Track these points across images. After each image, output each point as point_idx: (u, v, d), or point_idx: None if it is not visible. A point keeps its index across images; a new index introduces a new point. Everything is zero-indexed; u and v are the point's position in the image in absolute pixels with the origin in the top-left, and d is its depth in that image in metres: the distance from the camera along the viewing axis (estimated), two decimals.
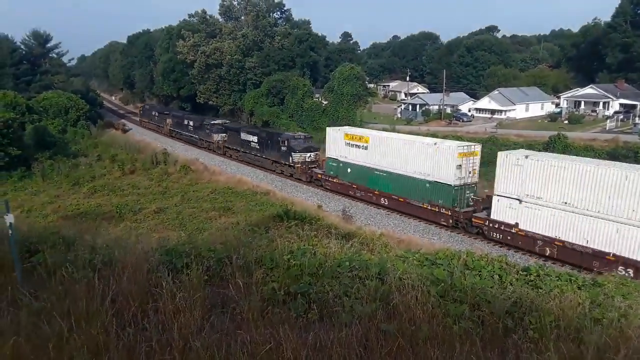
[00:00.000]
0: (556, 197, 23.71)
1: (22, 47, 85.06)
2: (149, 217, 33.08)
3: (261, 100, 73.12)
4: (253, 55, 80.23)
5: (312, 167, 42.34)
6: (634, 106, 70.23)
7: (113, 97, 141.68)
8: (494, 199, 27.02)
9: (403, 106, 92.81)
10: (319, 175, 40.78)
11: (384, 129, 65.69)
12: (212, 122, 59.13)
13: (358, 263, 7.45)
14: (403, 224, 32.38)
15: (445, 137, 59.06)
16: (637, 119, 65.22)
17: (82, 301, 5.22)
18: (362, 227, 29.68)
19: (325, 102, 70.70)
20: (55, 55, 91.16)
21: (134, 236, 12.63)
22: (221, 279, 6.72)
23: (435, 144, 31.17)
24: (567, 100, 78.24)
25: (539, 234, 24.81)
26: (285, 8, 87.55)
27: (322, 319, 5.58)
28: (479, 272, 8.48)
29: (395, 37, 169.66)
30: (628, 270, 21.48)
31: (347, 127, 42.53)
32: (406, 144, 32.80)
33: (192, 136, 62.76)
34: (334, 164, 38.77)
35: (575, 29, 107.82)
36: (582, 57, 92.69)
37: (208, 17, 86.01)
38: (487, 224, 27.55)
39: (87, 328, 4.76)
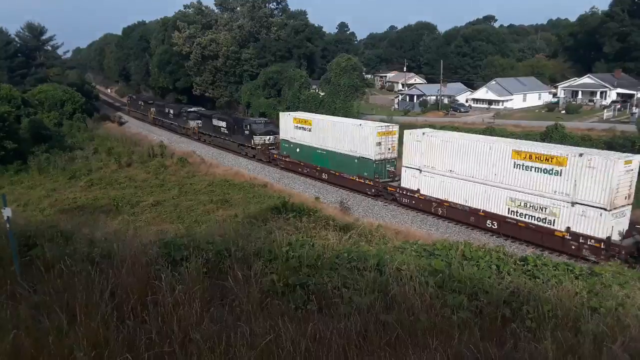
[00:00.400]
0: (444, 167, 29.14)
1: (17, 39, 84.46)
2: (147, 210, 33.06)
3: (258, 92, 72.85)
4: (249, 47, 79.83)
5: (271, 149, 46.44)
6: (631, 95, 70.25)
7: (109, 90, 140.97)
8: (402, 170, 32.21)
9: (400, 97, 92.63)
10: (275, 156, 45.37)
11: (382, 120, 65.73)
12: (189, 109, 63.66)
13: (356, 254, 7.48)
14: (400, 215, 32.44)
15: (442, 127, 59.01)
16: (634, 108, 65.24)
17: (81, 294, 5.22)
18: (359, 218, 29.77)
19: (322, 94, 70.49)
20: (50, 48, 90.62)
21: (132, 229, 12.64)
22: (220, 272, 6.73)
23: (360, 124, 36.14)
24: (564, 90, 78.18)
25: (434, 197, 30.20)
26: None
27: (321, 311, 5.60)
28: (477, 262, 8.51)
29: (392, 27, 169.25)
30: (493, 222, 26.99)
31: (296, 112, 47.40)
32: (339, 125, 37.74)
33: (172, 123, 67.05)
34: (286, 145, 43.37)
35: (573, 19, 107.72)
36: (580, 47, 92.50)
37: (204, 8, 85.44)
38: (398, 191, 32.75)
39: (87, 321, 4.76)
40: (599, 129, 51.86)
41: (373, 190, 34.92)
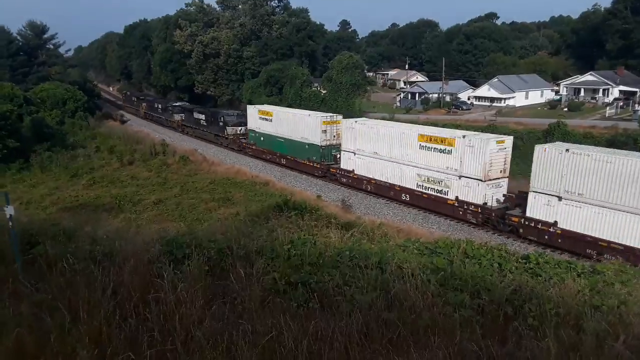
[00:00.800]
0: (371, 150, 34.24)
1: (19, 38, 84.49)
2: (148, 208, 33.11)
3: (259, 90, 72.84)
4: (251, 45, 79.81)
5: (242, 139, 51.48)
6: (634, 93, 70.02)
7: (110, 88, 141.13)
8: (342, 154, 37.26)
9: (402, 95, 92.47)
10: (244, 144, 50.39)
11: (383, 118, 65.62)
12: (174, 104, 69.54)
13: (358, 252, 7.48)
14: (402, 213, 32.43)
15: (444, 125, 58.93)
16: (636, 105, 65.05)
17: (84, 292, 5.24)
18: (361, 216, 29.72)
19: (324, 92, 70.44)
20: (52, 47, 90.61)
21: (134, 227, 12.67)
22: (222, 270, 6.74)
23: (309, 115, 41.45)
24: (566, 88, 77.95)
25: (364, 176, 35.27)
26: None
27: (323, 309, 5.60)
28: (479, 260, 8.50)
29: (394, 25, 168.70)
30: (407, 195, 32.28)
31: (262, 105, 51.33)
32: (293, 116, 43.03)
33: (160, 117, 72.23)
34: (253, 134, 48.69)
35: (575, 16, 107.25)
36: (582, 44, 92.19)
37: (205, 6, 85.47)
38: (338, 172, 38.13)
39: (89, 319, 4.77)
40: (602, 127, 51.73)
41: (320, 172, 40.19)
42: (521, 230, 25.66)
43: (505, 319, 5.43)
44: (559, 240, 23.98)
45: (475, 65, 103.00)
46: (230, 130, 52.40)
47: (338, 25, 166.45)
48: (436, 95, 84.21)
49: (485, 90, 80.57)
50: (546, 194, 24.14)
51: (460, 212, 28.91)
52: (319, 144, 39.48)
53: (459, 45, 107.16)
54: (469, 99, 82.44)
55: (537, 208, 24.73)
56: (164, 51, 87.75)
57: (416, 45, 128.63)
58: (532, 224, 24.94)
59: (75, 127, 61.04)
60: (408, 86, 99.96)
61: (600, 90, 73.25)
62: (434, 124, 60.99)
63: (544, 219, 24.38)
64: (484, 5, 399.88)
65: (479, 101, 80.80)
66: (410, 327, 4.97)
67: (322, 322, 5.04)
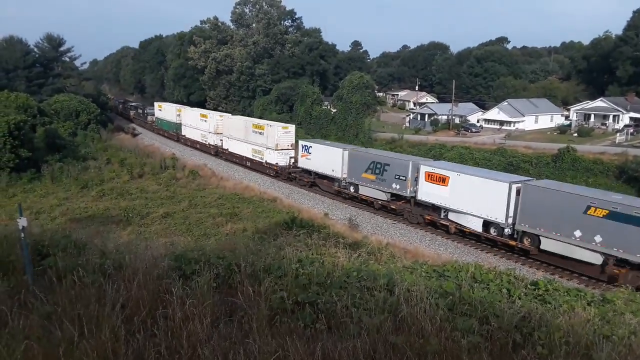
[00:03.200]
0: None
1: (36, 50, 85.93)
2: (156, 222, 33.18)
3: (270, 107, 73.45)
4: (263, 63, 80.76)
5: (154, 124, 75.32)
6: None
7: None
8: (223, 139, 56.53)
9: (412, 115, 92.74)
10: (154, 126, 75.86)
11: (392, 138, 65.73)
12: (148, 109, 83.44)
13: (366, 273, 7.46)
14: (409, 233, 32.30)
15: (453, 147, 58.98)
16: None
17: (93, 306, 5.26)
18: (368, 236, 29.64)
19: (334, 110, 70.86)
20: (67, 59, 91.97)
21: (143, 241, 12.69)
22: (230, 287, 6.74)
23: (204, 115, 60.84)
24: (576, 113, 77.82)
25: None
26: (296, 16, 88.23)
27: (330, 330, 5.57)
28: (487, 285, 8.44)
29: (405, 46, 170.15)
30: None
31: (163, 102, 76.38)
32: (193, 111, 65.09)
33: (141, 119, 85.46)
34: (158, 121, 74.41)
35: (586, 42, 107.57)
36: (593, 70, 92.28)
37: (220, 24, 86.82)
38: (221, 150, 57.21)
39: (97, 333, 4.79)
40: (611, 153, 51.45)
41: (212, 151, 58.98)
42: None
43: (514, 346, 5.37)
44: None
45: (485, 88, 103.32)
46: (149, 118, 79.15)
47: (350, 46, 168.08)
48: (445, 116, 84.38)
49: (494, 113, 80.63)
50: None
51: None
52: (211, 132, 58.24)
53: (470, 68, 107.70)
54: (478, 121, 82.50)
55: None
56: (177, 66, 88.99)
57: (427, 67, 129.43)
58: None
59: (87, 139, 61.62)
60: (418, 107, 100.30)
61: (611, 117, 73.07)
62: (443, 145, 61.11)
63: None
64: (495, 30, 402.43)
65: (488, 124, 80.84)
66: (418, 351, 4.93)
67: (329, 343, 5.01)
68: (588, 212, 23.05)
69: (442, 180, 30.24)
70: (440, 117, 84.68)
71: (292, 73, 79.97)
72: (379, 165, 35.02)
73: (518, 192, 26.34)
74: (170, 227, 32.14)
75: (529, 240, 26.25)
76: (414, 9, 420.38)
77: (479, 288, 7.84)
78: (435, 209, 31.35)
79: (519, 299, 7.56)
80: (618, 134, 65.15)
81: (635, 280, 21.23)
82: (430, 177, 30.99)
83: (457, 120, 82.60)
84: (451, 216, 30.32)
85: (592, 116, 75.27)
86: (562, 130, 73.62)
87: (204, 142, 60.15)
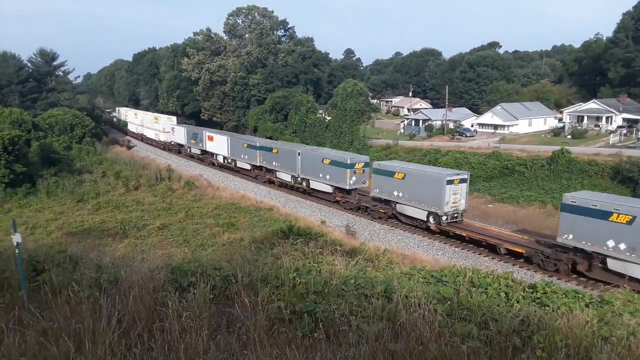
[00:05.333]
0: (140, 123, 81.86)
1: (29, 65, 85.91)
2: (153, 234, 33.06)
3: (265, 117, 73.53)
4: (257, 72, 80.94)
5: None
6: (637, 121, 70.19)
7: None
8: (129, 125, 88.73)
9: (406, 121, 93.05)
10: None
11: (387, 145, 65.89)
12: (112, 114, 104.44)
13: (364, 281, 7.43)
14: (406, 239, 32.29)
15: (448, 151, 59.14)
16: None
17: (89, 321, 5.22)
18: (365, 242, 29.59)
19: (328, 118, 71.00)
20: (61, 73, 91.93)
21: (139, 253, 12.64)
22: (227, 298, 6.71)
23: (156, 118, 75.75)
24: (570, 115, 78.26)
25: (142, 134, 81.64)
26: (289, 26, 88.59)
27: (329, 339, 5.54)
28: (485, 289, 8.42)
29: (397, 53, 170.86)
30: (152, 142, 77.71)
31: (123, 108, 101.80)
32: (146, 115, 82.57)
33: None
34: (122, 121, 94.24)
35: (577, 45, 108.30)
36: (584, 72, 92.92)
37: (213, 35, 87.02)
38: (134, 134, 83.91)
39: (94, 348, 4.74)
40: (605, 154, 51.67)
41: (163, 147, 73.37)
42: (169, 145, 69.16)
43: (513, 350, 5.35)
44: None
45: (479, 92, 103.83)
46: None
47: (342, 54, 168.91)
48: (440, 122, 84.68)
49: (488, 118, 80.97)
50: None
51: (161, 145, 70.64)
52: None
53: (462, 73, 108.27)
54: (472, 126, 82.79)
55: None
56: (171, 78, 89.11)
57: (420, 73, 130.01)
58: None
59: (82, 153, 61.50)
60: (412, 113, 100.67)
61: (604, 118, 73.51)
62: (438, 150, 61.27)
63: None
64: (486, 35, 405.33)
65: (482, 128, 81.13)
66: (418, 358, 4.90)
67: (328, 353, 4.99)
68: None
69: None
70: (434, 122, 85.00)
71: (285, 82, 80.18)
72: (325, 162, 40.56)
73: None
74: (167, 238, 32.02)
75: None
76: (406, 16, 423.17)
77: (477, 292, 7.82)
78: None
79: (517, 302, 7.54)
80: (611, 135, 65.48)
81: None
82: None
83: (451, 125, 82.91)
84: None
85: (585, 118, 75.70)
86: (556, 132, 73.95)
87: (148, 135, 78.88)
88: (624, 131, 66.45)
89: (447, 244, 30.83)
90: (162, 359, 4.80)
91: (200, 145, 60.85)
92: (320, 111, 75.51)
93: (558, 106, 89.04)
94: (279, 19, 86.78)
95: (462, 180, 31.82)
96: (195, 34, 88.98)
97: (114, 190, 45.67)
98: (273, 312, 5.97)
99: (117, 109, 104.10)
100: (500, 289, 8.51)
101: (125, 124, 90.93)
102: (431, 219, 31.85)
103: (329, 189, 40.69)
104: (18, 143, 44.99)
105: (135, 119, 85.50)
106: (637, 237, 21.76)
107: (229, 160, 55.26)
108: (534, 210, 40.67)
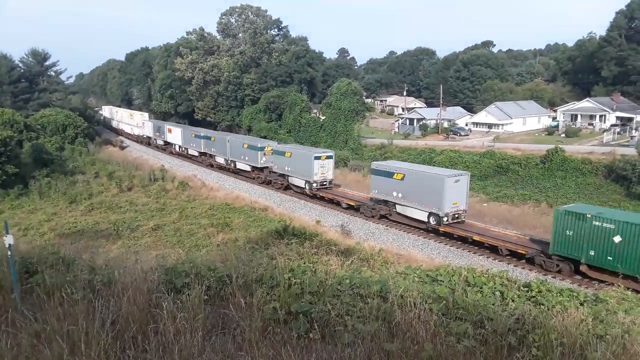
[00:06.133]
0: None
1: (21, 65, 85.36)
2: (147, 235, 32.94)
3: (259, 116, 73.41)
4: (251, 72, 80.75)
5: None
6: (631, 119, 70.64)
7: None
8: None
9: (400, 121, 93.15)
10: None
11: (382, 144, 65.98)
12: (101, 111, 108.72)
13: (359, 281, 7.41)
14: (401, 238, 32.33)
15: (443, 150, 59.31)
16: (634, 131, 65.55)
17: (82, 323, 5.16)
18: (360, 242, 29.61)
19: (322, 117, 70.97)
20: (53, 73, 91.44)
21: (133, 255, 12.56)
22: (221, 299, 6.67)
23: (131, 115, 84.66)
24: (563, 114, 78.65)
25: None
26: (282, 25, 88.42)
27: (324, 339, 5.52)
28: (480, 288, 8.43)
29: (391, 52, 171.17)
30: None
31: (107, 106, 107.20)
32: (124, 112, 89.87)
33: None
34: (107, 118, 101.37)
35: (571, 43, 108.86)
36: (578, 71, 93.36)
37: (206, 34, 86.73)
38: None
39: (87, 351, 4.69)
40: (599, 153, 51.96)
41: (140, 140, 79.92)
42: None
43: (509, 349, 5.35)
44: None
45: (473, 92, 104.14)
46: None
47: (337, 53, 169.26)
48: (434, 121, 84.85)
49: (483, 117, 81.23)
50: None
51: (134, 138, 79.83)
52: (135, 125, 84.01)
53: (456, 72, 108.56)
54: (466, 124, 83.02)
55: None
56: (164, 78, 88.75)
57: (414, 72, 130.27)
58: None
59: (74, 153, 61.22)
60: (406, 112, 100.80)
61: (597, 117, 73.91)
62: (433, 149, 61.41)
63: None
64: (480, 34, 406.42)
65: (476, 127, 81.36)
66: (413, 358, 4.89)
67: (324, 353, 4.97)
68: None
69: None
70: (428, 121, 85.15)
71: (279, 81, 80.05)
72: (244, 147, 49.88)
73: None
74: (161, 239, 31.92)
75: None
76: (400, 15, 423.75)
77: (473, 292, 7.83)
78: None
79: (513, 301, 7.55)
80: (605, 134, 65.89)
81: None
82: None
83: (445, 124, 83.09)
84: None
85: (579, 117, 76.09)
86: (550, 131, 74.31)
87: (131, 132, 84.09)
88: (618, 129, 66.85)
89: (442, 243, 30.89)
90: None
91: (163, 137, 69.37)
92: (315, 111, 75.47)
93: (552, 105, 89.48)
94: (273, 18, 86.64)
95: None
96: (188, 33, 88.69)
97: (107, 191, 45.49)
98: (268, 312, 5.94)
99: (102, 107, 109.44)
100: (495, 288, 8.52)
101: (109, 120, 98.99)
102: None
103: (248, 168, 49.80)
104: (10, 144, 44.76)
105: (117, 116, 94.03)
106: (406, 188, 33.13)
107: (183, 149, 63.99)
108: (528, 209, 40.84)
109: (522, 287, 8.75)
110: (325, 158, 41.24)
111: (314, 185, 40.86)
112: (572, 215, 23.83)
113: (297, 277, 7.06)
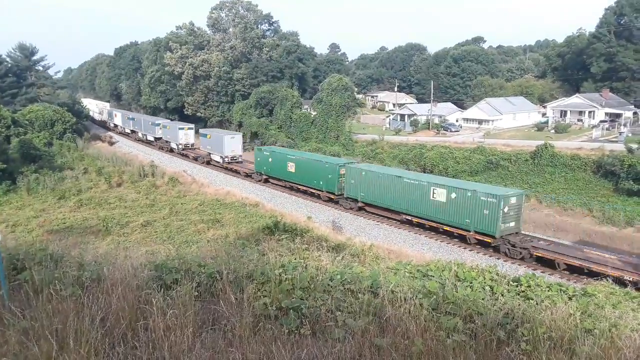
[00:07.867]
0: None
1: (8, 60, 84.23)
2: (136, 231, 32.77)
3: (250, 112, 73.13)
4: (241, 67, 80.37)
5: None
6: (619, 115, 71.31)
7: None
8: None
9: (391, 117, 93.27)
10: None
11: (373, 140, 66.01)
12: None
13: (350, 276, 7.42)
14: (392, 234, 32.44)
15: (433, 146, 59.52)
16: (622, 127, 66.17)
17: (71, 320, 5.12)
18: (351, 237, 29.67)
19: (314, 113, 70.88)
20: (41, 68, 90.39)
21: (122, 251, 12.46)
22: (212, 295, 6.65)
23: (97, 104, 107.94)
24: (553, 110, 79.21)
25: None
26: (273, 20, 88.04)
27: (315, 335, 5.52)
28: (470, 283, 8.48)
29: (382, 48, 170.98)
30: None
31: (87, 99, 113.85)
32: (92, 102, 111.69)
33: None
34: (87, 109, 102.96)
35: (560, 40, 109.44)
36: (567, 67, 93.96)
37: (196, 29, 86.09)
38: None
39: (77, 348, 4.66)
40: (588, 148, 52.42)
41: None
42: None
43: (498, 343, 5.39)
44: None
45: (463, 87, 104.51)
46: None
47: (328, 48, 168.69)
48: (425, 117, 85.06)
49: (473, 112, 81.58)
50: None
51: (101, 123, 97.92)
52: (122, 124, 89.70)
53: (447, 68, 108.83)
54: (457, 120, 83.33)
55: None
56: (154, 72, 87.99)
57: (405, 68, 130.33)
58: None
59: (63, 149, 60.59)
60: (397, 108, 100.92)
61: (586, 113, 74.52)
62: (423, 145, 61.61)
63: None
64: (470, 30, 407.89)
65: (467, 123, 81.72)
66: (404, 353, 4.91)
67: (315, 349, 4.97)
68: None
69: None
70: (419, 117, 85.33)
71: (270, 77, 79.78)
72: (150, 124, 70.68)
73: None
74: (150, 235, 31.77)
75: None
76: (391, 11, 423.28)
77: (463, 286, 7.88)
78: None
79: (502, 296, 7.61)
80: (594, 130, 66.46)
81: None
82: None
83: (436, 120, 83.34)
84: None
85: (569, 113, 76.66)
86: (540, 127, 74.79)
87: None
88: (606, 125, 67.47)
89: (433, 239, 31.05)
90: (147, 358, 4.73)
91: (111, 119, 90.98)
92: (306, 106, 75.34)
93: (542, 101, 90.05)
94: (264, 12, 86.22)
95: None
96: (178, 27, 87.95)
97: (96, 187, 45.15)
98: (259, 308, 5.93)
99: (82, 100, 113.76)
100: (485, 282, 8.58)
101: (89, 112, 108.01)
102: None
103: (152, 139, 70.90)
104: None
105: (95, 108, 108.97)
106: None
107: (121, 127, 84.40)
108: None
109: (511, 282, 8.82)
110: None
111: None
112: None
113: (288, 273, 7.05)
